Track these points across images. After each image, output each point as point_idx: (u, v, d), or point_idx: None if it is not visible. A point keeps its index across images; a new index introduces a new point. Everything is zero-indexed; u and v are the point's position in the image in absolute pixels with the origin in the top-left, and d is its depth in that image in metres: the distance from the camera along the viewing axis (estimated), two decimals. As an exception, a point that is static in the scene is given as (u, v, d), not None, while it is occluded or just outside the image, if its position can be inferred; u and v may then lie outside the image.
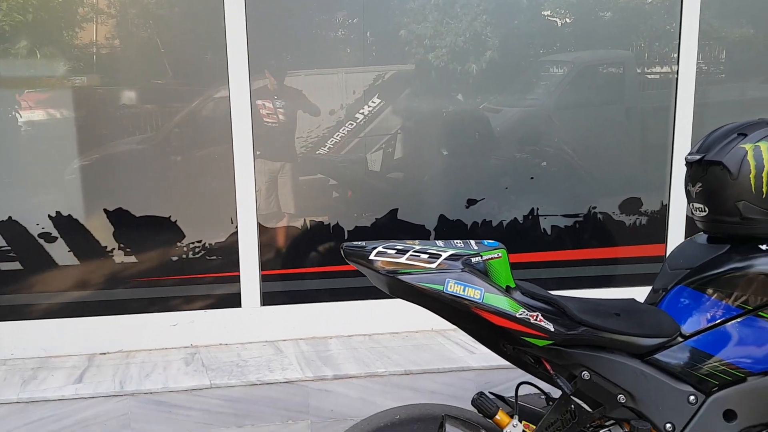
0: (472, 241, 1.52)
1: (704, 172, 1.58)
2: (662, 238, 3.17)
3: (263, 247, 2.89)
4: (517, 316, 1.42)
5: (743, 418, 1.52)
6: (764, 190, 1.51)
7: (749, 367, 1.52)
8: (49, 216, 2.72)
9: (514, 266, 1.52)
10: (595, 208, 3.12)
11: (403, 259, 1.44)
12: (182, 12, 2.78)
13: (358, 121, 2.93)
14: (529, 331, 1.43)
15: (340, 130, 2.92)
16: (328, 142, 2.92)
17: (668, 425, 1.52)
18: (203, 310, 2.85)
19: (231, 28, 2.71)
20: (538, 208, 3.07)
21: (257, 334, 2.91)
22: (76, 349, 2.75)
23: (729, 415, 1.52)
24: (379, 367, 2.59)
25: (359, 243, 1.50)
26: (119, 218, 2.76)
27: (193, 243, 2.82)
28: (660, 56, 3.12)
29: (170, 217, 2.79)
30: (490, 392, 1.59)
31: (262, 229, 2.87)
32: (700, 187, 1.60)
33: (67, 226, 2.73)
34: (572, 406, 1.52)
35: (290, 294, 2.94)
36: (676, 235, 3.14)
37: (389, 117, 2.97)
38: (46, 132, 2.71)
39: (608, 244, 3.15)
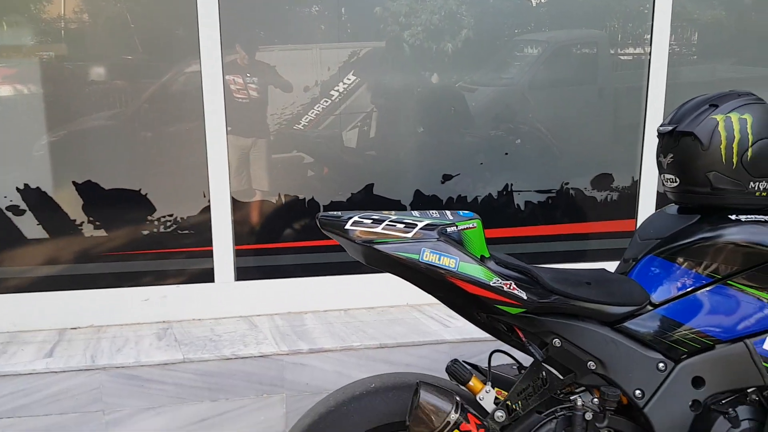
0: (448, 212, 1.54)
1: (676, 143, 1.60)
2: (633, 214, 3.21)
3: (237, 221, 2.86)
4: (491, 284, 1.44)
5: (711, 384, 1.56)
6: (734, 160, 1.54)
7: (718, 335, 1.56)
8: (17, 189, 2.66)
9: (488, 242, 1.53)
10: (567, 184, 3.15)
11: (379, 229, 1.44)
12: (153, -18, 2.72)
13: (333, 98, 2.91)
14: (503, 299, 1.45)
15: (315, 107, 2.90)
16: (303, 119, 2.89)
17: (637, 392, 1.55)
18: (176, 285, 2.82)
19: (203, 3, 2.66)
20: (512, 184, 3.09)
21: (231, 310, 2.89)
22: (47, 323, 2.71)
23: (697, 382, 1.56)
24: (354, 341, 2.60)
25: (335, 213, 1.50)
26: (88, 191, 2.71)
27: (164, 217, 2.79)
28: (633, 37, 3.14)
29: (140, 190, 2.75)
30: (463, 360, 1.61)
31: (235, 203, 2.84)
32: (671, 158, 1.62)
33: (35, 198, 2.68)
34: (543, 373, 1.54)
35: (265, 269, 2.93)
36: (646, 210, 3.19)
37: (365, 94, 2.96)
38: (13, 106, 2.64)
39: (580, 219, 3.19)
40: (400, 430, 1.56)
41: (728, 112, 1.55)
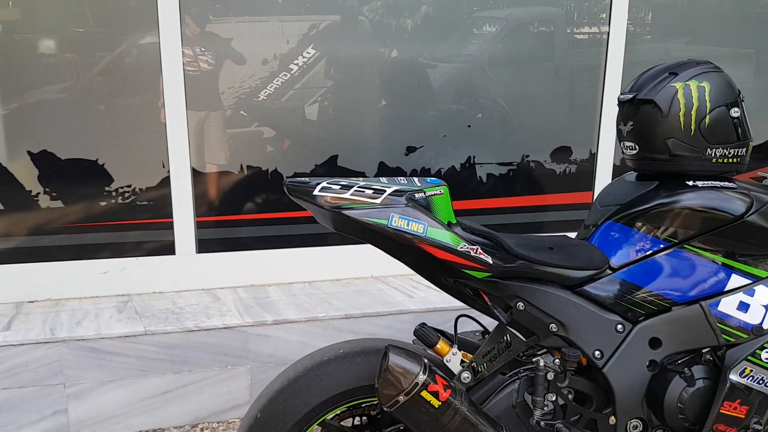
0: (415, 178, 1.55)
1: (636, 111, 1.64)
2: (590, 186, 3.29)
3: (198, 193, 2.82)
4: (458, 249, 1.46)
5: (667, 345, 1.61)
6: (692, 127, 1.59)
7: (674, 298, 1.61)
8: (-33, 159, 2.57)
9: (451, 214, 1.55)
10: (528, 156, 3.20)
11: (347, 195, 1.44)
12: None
13: (292, 72, 2.87)
14: (469, 263, 1.47)
15: (275, 81, 2.86)
16: (262, 92, 2.86)
17: (597, 352, 1.59)
18: (135, 258, 2.78)
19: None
20: (474, 157, 3.12)
21: (193, 282, 2.86)
22: (3, 296, 2.64)
23: (654, 343, 1.61)
24: (319, 311, 2.60)
25: (302, 179, 1.50)
26: (44, 162, 2.63)
27: (122, 188, 2.73)
28: (590, 16, 3.19)
29: (98, 160, 2.68)
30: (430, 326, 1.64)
31: (196, 174, 2.80)
32: (631, 125, 1.66)
33: (-12, 169, 2.60)
34: (507, 336, 1.58)
35: (227, 241, 2.90)
36: (603, 183, 3.27)
37: (325, 68, 2.93)
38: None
39: (540, 191, 3.25)
40: (369, 393, 1.58)
41: (687, 80, 1.59)
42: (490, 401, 1.57)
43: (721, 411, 1.60)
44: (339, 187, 1.45)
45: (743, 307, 1.60)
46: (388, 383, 1.43)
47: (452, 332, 1.63)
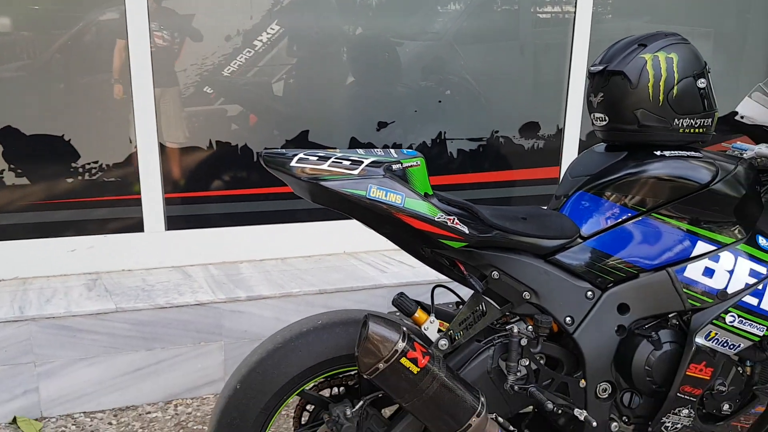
0: (392, 150, 1.55)
1: (606, 82, 1.67)
2: (557, 161, 3.34)
3: (166, 169, 2.79)
4: (436, 219, 1.48)
5: (635, 311, 1.66)
6: (660, 98, 1.63)
7: (642, 265, 1.65)
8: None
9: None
10: (497, 132, 3.23)
11: (325, 166, 1.44)
12: None
13: (256, 48, 2.84)
14: (446, 233, 1.49)
15: (238, 58, 2.82)
16: (225, 69, 2.82)
17: (568, 318, 1.63)
18: (103, 235, 2.74)
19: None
20: (445, 132, 3.14)
21: (162, 260, 2.84)
22: (-33, 276, 2.59)
23: (622, 309, 1.66)
24: (293, 287, 2.61)
25: (279, 150, 1.49)
26: (8, 137, 2.56)
27: (89, 164, 2.68)
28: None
29: (63, 136, 2.63)
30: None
31: (164, 150, 2.76)
32: (601, 97, 1.69)
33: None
34: (482, 305, 1.61)
35: (197, 218, 2.88)
36: (570, 158, 3.33)
37: (290, 44, 2.90)
38: None
39: (509, 167, 3.29)
40: (348, 363, 1.60)
41: (656, 52, 1.63)
42: (466, 367, 1.60)
43: (687, 373, 1.66)
44: (316, 158, 1.45)
45: (708, 272, 1.65)
46: (367, 351, 1.45)
47: (429, 303, 1.66)
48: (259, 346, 1.64)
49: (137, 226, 2.78)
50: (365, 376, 1.48)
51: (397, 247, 1.64)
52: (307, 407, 1.70)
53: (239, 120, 2.88)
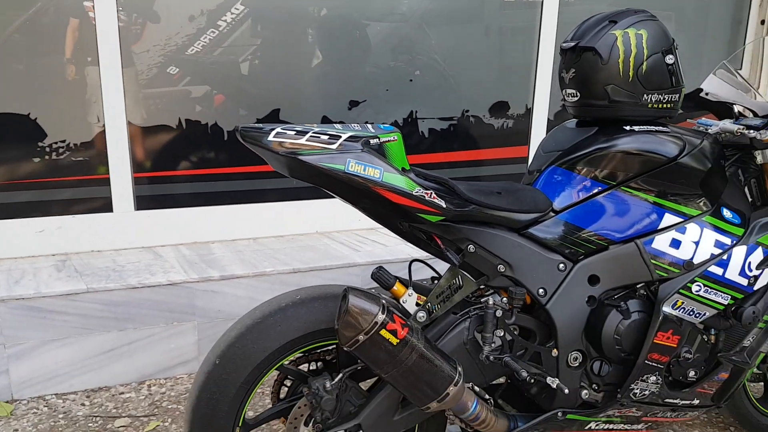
0: (369, 125, 1.56)
1: (578, 58, 1.70)
2: (526, 141, 3.39)
3: (135, 147, 2.75)
4: (414, 193, 1.49)
5: (605, 282, 1.71)
6: (630, 74, 1.67)
7: (611, 237, 1.70)
8: None
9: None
10: (468, 111, 3.26)
11: (302, 140, 1.44)
12: None
13: (220, 28, 2.80)
14: (424, 207, 1.51)
15: (202, 38, 2.79)
16: (191, 49, 2.78)
17: (541, 290, 1.67)
18: (72, 216, 2.69)
19: None
20: (416, 111, 3.16)
21: (132, 240, 2.81)
22: (-70, 259, 2.53)
23: (593, 280, 1.70)
24: (266, 266, 2.61)
25: (256, 125, 1.49)
26: (-31, 116, 2.50)
27: (56, 143, 2.62)
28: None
29: (29, 114, 2.56)
30: (386, 272, 1.68)
31: (133, 129, 2.72)
32: (573, 73, 1.72)
33: None
34: (459, 278, 1.64)
35: (167, 198, 2.85)
36: (539, 138, 3.38)
37: (255, 24, 2.87)
38: None
39: (479, 146, 3.32)
40: (327, 336, 1.61)
41: (626, 28, 1.67)
42: (443, 339, 1.63)
43: (654, 341, 1.72)
44: (294, 132, 1.45)
45: (675, 244, 1.71)
46: (348, 324, 1.47)
47: (407, 278, 1.68)
48: (238, 321, 1.64)
49: (106, 206, 2.74)
50: (345, 348, 1.49)
51: (370, 226, 1.66)
52: (285, 382, 1.72)
53: (208, 99, 2.85)
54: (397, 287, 1.62)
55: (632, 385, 1.75)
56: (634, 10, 1.70)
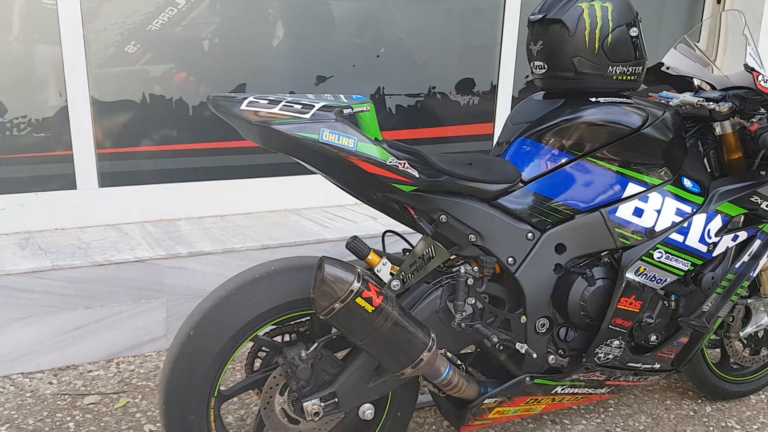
0: (341, 95, 1.57)
1: (545, 31, 1.73)
2: (492, 118, 3.43)
3: (98, 123, 2.69)
4: (387, 163, 1.51)
5: (571, 250, 1.77)
6: (596, 46, 1.71)
7: (577, 206, 1.75)
8: None
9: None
10: (434, 88, 3.28)
11: (275, 110, 1.45)
12: None
13: (179, 6, 2.76)
14: (398, 177, 1.53)
15: (166, 11, 2.74)
16: (155, 23, 2.73)
17: (510, 259, 1.72)
18: (34, 193, 2.63)
19: None
20: (383, 88, 3.16)
21: (97, 218, 2.76)
22: None
23: (560, 248, 1.76)
24: (235, 243, 2.60)
25: (228, 94, 1.48)
26: None
27: (17, 118, 2.55)
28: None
29: (-12, 89, 2.50)
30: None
31: (96, 103, 2.67)
32: (540, 45, 1.76)
33: None
34: (431, 247, 1.67)
35: (132, 174, 2.80)
36: (504, 115, 3.42)
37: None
38: None
39: (445, 123, 3.35)
40: (302, 306, 1.62)
41: (592, 1, 1.71)
42: (417, 307, 1.66)
43: (618, 306, 1.78)
44: (266, 101, 1.45)
45: (638, 212, 1.77)
46: (323, 293, 1.48)
47: (380, 248, 1.70)
48: (212, 292, 1.64)
49: (70, 183, 2.69)
50: (321, 317, 1.51)
51: (339, 203, 1.66)
52: (259, 354, 1.73)
53: (173, 75, 2.81)
54: (372, 257, 1.64)
55: (596, 350, 1.82)
56: (600, -17, 1.74)
